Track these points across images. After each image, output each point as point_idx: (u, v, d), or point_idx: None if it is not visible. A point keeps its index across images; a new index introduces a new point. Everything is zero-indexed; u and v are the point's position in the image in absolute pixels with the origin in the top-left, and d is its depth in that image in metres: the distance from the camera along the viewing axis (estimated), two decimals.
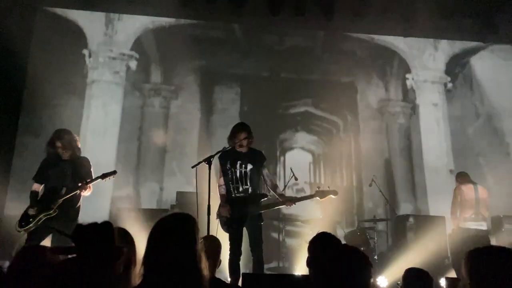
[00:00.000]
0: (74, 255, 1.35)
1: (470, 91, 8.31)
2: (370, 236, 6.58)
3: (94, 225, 1.40)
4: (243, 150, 4.41)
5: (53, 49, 7.37)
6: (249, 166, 4.38)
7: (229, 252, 4.17)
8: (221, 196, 4.38)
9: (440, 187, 7.69)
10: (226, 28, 8.05)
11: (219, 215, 4.33)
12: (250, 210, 4.28)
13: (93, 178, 4.34)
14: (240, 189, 4.35)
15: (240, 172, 4.35)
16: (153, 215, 6.03)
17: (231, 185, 4.36)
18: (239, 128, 4.40)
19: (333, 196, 4.43)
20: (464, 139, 8.00)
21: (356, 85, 8.15)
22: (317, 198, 4.43)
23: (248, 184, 4.34)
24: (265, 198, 4.41)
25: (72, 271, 1.26)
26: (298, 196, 7.55)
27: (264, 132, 7.13)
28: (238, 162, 4.37)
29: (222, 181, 4.42)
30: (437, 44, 8.38)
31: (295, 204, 4.38)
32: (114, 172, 4.41)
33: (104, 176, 4.36)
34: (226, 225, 4.28)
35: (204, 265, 1.71)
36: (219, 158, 4.39)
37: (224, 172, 4.40)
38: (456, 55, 8.40)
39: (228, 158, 4.39)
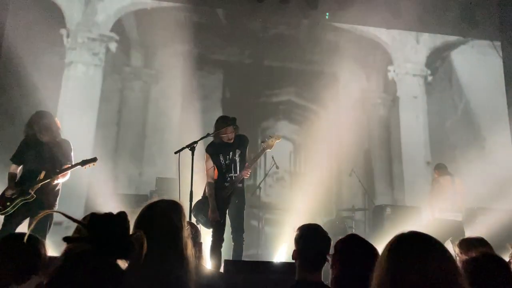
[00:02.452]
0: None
1: (449, 85, 8.45)
2: (348, 225, 6.69)
3: (110, 215, 1.31)
4: (231, 140, 4.39)
5: (29, 27, 7.10)
6: (237, 152, 4.40)
7: (211, 238, 4.17)
8: (210, 197, 4.28)
9: (417, 178, 7.85)
10: (209, 13, 7.92)
11: (202, 217, 4.27)
12: (234, 196, 4.30)
13: (73, 164, 4.22)
14: (230, 176, 4.36)
15: (230, 161, 4.37)
16: (132, 200, 6.01)
17: (222, 176, 4.36)
18: (225, 124, 4.29)
19: (277, 140, 4.45)
20: (441, 132, 8.15)
21: (339, 75, 8.16)
22: (268, 150, 4.46)
23: (238, 171, 4.36)
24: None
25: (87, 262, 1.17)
26: (278, 184, 7.66)
27: (246, 120, 7.05)
28: (230, 153, 4.37)
29: (212, 174, 4.36)
30: (419, 37, 8.46)
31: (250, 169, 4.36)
32: (94, 159, 4.28)
33: (84, 163, 4.23)
34: (209, 224, 4.26)
35: (191, 252, 1.69)
36: (208, 150, 4.39)
37: (218, 167, 4.36)
38: (437, 49, 8.51)
39: (219, 151, 4.38)
